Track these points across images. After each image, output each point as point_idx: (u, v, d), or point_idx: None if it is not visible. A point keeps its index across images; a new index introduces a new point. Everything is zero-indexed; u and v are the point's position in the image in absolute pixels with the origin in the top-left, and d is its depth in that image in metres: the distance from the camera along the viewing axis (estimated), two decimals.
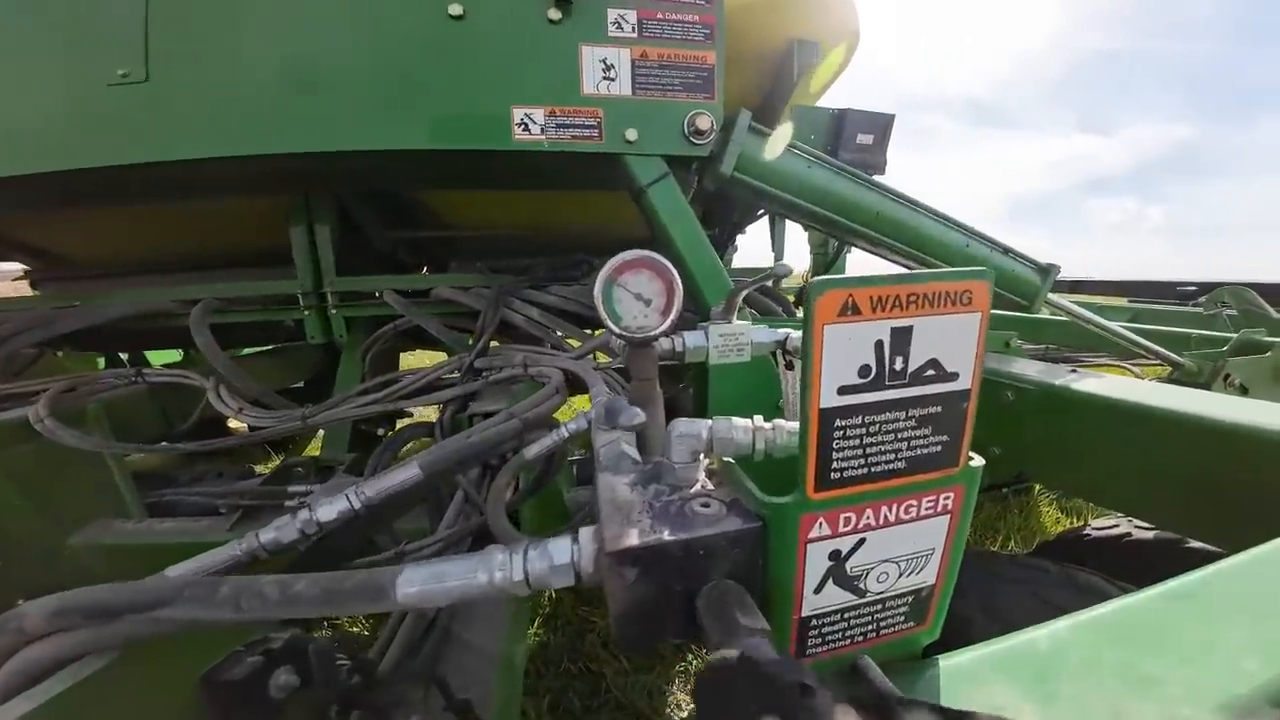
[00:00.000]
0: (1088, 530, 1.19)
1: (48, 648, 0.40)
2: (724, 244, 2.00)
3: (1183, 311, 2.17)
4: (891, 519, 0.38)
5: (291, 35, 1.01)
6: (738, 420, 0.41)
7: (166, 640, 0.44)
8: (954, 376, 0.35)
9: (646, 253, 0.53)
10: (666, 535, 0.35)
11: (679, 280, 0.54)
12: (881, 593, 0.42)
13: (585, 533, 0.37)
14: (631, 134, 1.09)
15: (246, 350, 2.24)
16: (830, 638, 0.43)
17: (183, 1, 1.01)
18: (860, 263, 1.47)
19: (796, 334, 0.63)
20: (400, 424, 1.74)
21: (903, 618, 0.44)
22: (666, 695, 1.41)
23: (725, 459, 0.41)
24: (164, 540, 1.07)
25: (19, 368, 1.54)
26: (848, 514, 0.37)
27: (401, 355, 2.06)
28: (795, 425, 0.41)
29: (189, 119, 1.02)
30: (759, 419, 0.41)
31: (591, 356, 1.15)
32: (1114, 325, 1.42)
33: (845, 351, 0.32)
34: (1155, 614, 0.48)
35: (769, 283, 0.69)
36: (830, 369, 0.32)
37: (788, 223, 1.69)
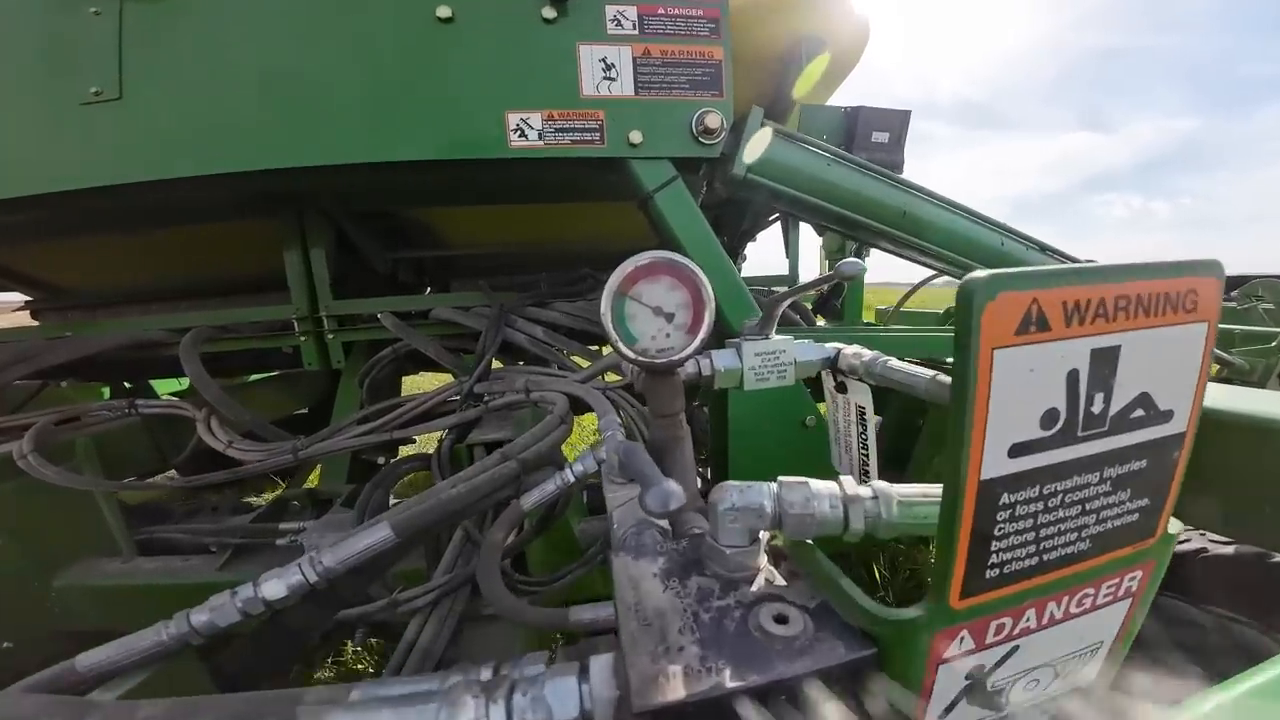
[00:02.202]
0: None
1: None
2: (734, 253, 1.87)
3: None
4: (1059, 616, 0.24)
5: (270, 46, 0.91)
6: (817, 485, 0.27)
7: None
8: (1168, 416, 0.22)
9: (666, 254, 0.39)
10: (728, 679, 0.21)
11: (709, 287, 0.40)
12: (1026, 702, 0.28)
13: (599, 668, 0.23)
14: (636, 136, 0.97)
15: (254, 377, 2.14)
16: None
17: (156, 16, 0.91)
18: (879, 269, 1.34)
19: (850, 350, 0.49)
20: (401, 453, 1.61)
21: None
22: None
23: (801, 540, 0.27)
24: (152, 581, 0.97)
25: (21, 400, 1.44)
26: (1001, 620, 0.23)
27: (407, 379, 1.94)
28: (907, 491, 0.27)
29: (166, 137, 0.92)
30: (849, 482, 0.27)
31: (600, 376, 1.02)
32: None
33: (1025, 388, 0.19)
34: None
35: (826, 287, 0.56)
36: (1000, 418, 0.18)
37: (802, 227, 1.56)
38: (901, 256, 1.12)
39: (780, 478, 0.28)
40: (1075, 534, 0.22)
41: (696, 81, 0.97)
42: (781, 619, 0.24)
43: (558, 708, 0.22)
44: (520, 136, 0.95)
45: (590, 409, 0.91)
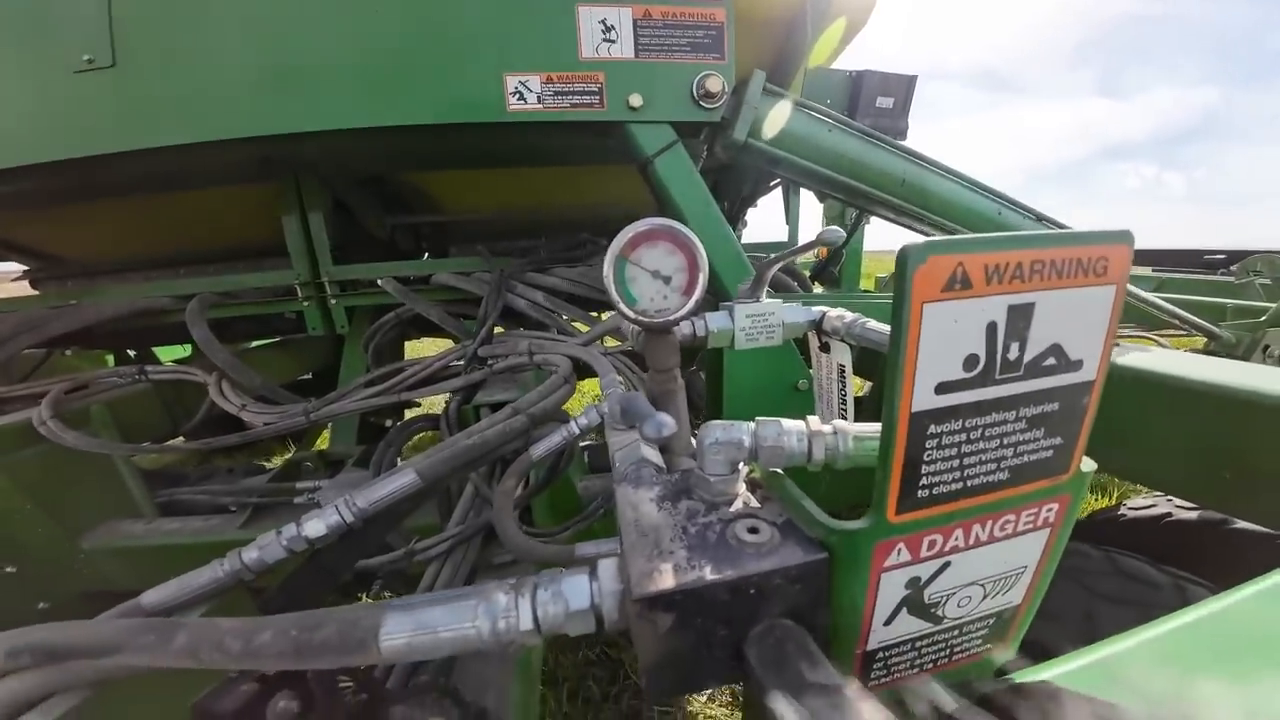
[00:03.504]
0: (1123, 510, 1.10)
1: (16, 686, 0.33)
2: (734, 218, 1.88)
3: (1213, 280, 2.03)
4: (984, 538, 0.30)
5: (264, 10, 0.91)
6: (788, 423, 0.32)
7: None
8: (1078, 365, 0.26)
9: (665, 221, 0.43)
10: (709, 574, 0.27)
11: (704, 252, 0.45)
12: (960, 618, 0.35)
13: (606, 568, 0.29)
14: (636, 99, 0.98)
15: (255, 343, 2.18)
16: (896, 667, 0.35)
17: None
18: (879, 235, 1.36)
19: (834, 313, 0.54)
20: (408, 414, 1.67)
21: (980, 641, 0.37)
22: None
23: (773, 470, 0.32)
24: (175, 540, 1.03)
25: (28, 370, 1.49)
26: (933, 536, 0.29)
27: (408, 344, 1.98)
28: (864, 427, 0.32)
29: (161, 104, 0.93)
30: (814, 420, 0.33)
31: (600, 341, 1.07)
32: (1151, 296, 1.31)
33: (949, 338, 0.23)
34: (1258, 618, 0.40)
35: (811, 254, 0.60)
36: (928, 361, 0.23)
37: (804, 193, 1.57)
38: (899, 224, 1.15)
39: (757, 417, 0.33)
40: (995, 464, 0.27)
41: (698, 44, 0.97)
42: (754, 530, 0.29)
43: (573, 599, 0.28)
44: (519, 99, 0.96)
45: (591, 373, 0.96)
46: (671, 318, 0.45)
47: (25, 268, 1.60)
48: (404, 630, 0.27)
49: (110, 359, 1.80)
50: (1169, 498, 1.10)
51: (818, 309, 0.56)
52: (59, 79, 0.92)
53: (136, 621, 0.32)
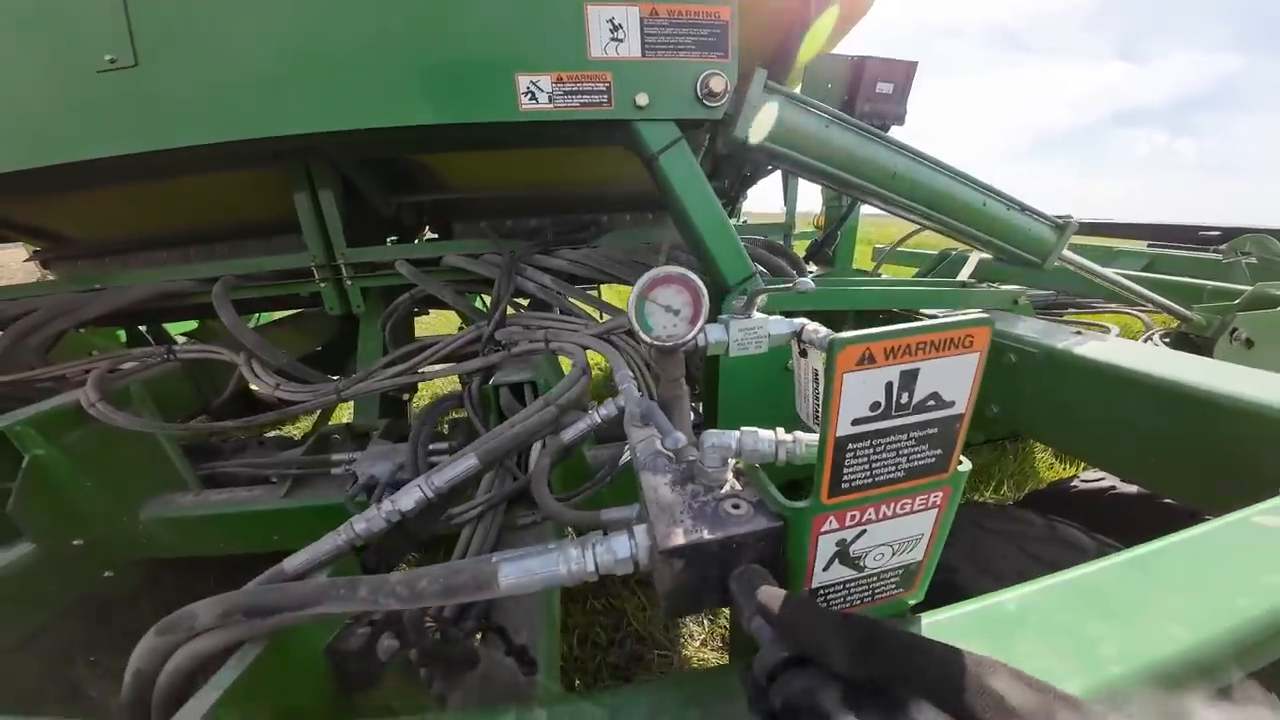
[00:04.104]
0: (1075, 482, 1.29)
1: (210, 641, 0.50)
2: (734, 196, 1.98)
3: (1200, 258, 2.13)
4: (889, 514, 0.47)
5: (282, 10, 0.98)
6: (763, 433, 0.49)
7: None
8: (951, 404, 0.43)
9: (677, 270, 0.58)
10: (706, 535, 0.44)
11: (705, 291, 0.59)
12: (877, 568, 0.52)
13: (640, 531, 0.47)
14: (642, 99, 1.07)
15: (262, 318, 2.30)
16: (834, 602, 0.54)
17: None
18: (873, 214, 1.49)
19: (811, 326, 0.69)
20: (418, 390, 1.83)
21: (894, 585, 0.55)
22: (680, 626, 1.62)
23: (751, 464, 0.49)
24: (225, 510, 1.18)
25: (44, 347, 1.61)
26: (853, 512, 0.46)
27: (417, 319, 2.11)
28: (813, 438, 0.49)
29: (183, 104, 1.00)
30: (781, 431, 0.49)
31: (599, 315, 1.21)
32: (1123, 279, 1.45)
33: (860, 393, 0.39)
34: (1110, 581, 0.57)
35: (789, 283, 0.74)
36: (847, 407, 0.39)
37: (803, 179, 1.68)
38: (889, 212, 1.28)
39: (743, 427, 0.49)
40: (894, 467, 0.44)
41: (703, 42, 1.05)
42: (736, 506, 0.46)
43: (619, 551, 0.46)
44: (530, 99, 1.05)
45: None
46: (679, 341, 0.61)
47: (35, 248, 1.69)
48: (514, 574, 0.45)
49: (121, 335, 1.92)
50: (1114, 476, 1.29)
51: (798, 321, 0.72)
52: (82, 79, 0.98)
53: (327, 580, 0.49)
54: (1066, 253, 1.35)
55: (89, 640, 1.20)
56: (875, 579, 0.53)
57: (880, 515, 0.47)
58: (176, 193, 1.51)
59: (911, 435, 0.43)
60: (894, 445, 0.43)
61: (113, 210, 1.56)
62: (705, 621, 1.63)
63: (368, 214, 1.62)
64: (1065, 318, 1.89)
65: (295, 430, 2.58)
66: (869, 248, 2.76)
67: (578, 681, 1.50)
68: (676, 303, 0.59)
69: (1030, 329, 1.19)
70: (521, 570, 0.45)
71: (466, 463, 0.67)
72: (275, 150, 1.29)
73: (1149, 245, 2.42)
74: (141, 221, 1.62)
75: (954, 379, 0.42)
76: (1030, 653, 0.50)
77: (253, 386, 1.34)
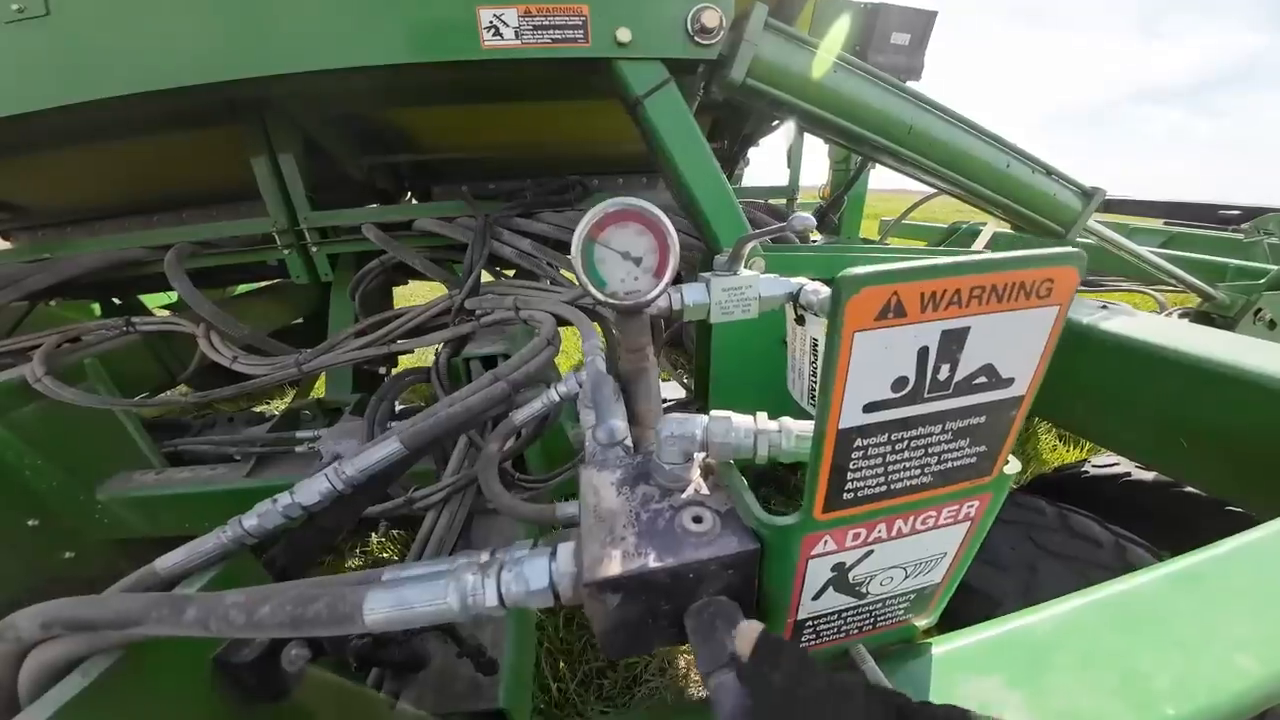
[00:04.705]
0: (1087, 467, 1.16)
1: (58, 649, 0.39)
2: (734, 159, 1.79)
3: (1220, 237, 1.97)
4: (905, 531, 0.33)
5: None
6: (737, 419, 0.35)
7: None
8: (1008, 383, 0.28)
9: (633, 201, 0.43)
10: (651, 561, 0.30)
11: (674, 233, 0.44)
12: (883, 594, 0.39)
13: (564, 552, 0.33)
14: (624, 34, 0.90)
15: (241, 288, 2.17)
16: (825, 633, 0.40)
17: None
18: (891, 177, 1.31)
19: (810, 286, 0.54)
20: (400, 364, 1.71)
21: (903, 611, 0.41)
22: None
23: (723, 460, 0.35)
24: (186, 489, 1.09)
25: (12, 323, 1.49)
26: (857, 530, 0.32)
27: (398, 290, 1.97)
28: (806, 428, 0.34)
29: (103, 54, 0.87)
30: (762, 417, 0.35)
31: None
32: (1149, 254, 1.28)
33: (878, 363, 0.25)
34: (1157, 599, 0.45)
35: (816, 195, 0.59)
36: (856, 384, 0.25)
37: (807, 133, 1.49)
38: (902, 173, 1.10)
39: (712, 411, 0.35)
40: (919, 470, 0.30)
41: None
42: (698, 519, 0.33)
43: (533, 580, 0.32)
44: (494, 35, 0.89)
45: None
46: (643, 299, 0.46)
47: None
48: (384, 605, 0.31)
49: (97, 308, 1.80)
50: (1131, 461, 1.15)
51: (796, 281, 0.57)
52: None
53: (151, 596, 0.36)
54: (1092, 223, 1.18)
55: None
56: (880, 605, 0.40)
57: (893, 533, 0.33)
58: (133, 158, 1.36)
59: (949, 427, 0.28)
60: (923, 441, 0.29)
61: (67, 177, 1.42)
62: None
63: (340, 178, 1.47)
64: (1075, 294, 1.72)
65: (279, 407, 2.48)
66: (874, 222, 2.55)
67: (562, 664, 1.40)
68: (637, 248, 0.45)
69: None
70: (395, 601, 0.31)
71: (386, 448, 0.54)
72: (227, 104, 1.14)
73: (1165, 223, 2.22)
74: (101, 189, 1.48)
75: (1017, 344, 0.27)
76: (1068, 689, 0.39)
77: (212, 358, 1.22)
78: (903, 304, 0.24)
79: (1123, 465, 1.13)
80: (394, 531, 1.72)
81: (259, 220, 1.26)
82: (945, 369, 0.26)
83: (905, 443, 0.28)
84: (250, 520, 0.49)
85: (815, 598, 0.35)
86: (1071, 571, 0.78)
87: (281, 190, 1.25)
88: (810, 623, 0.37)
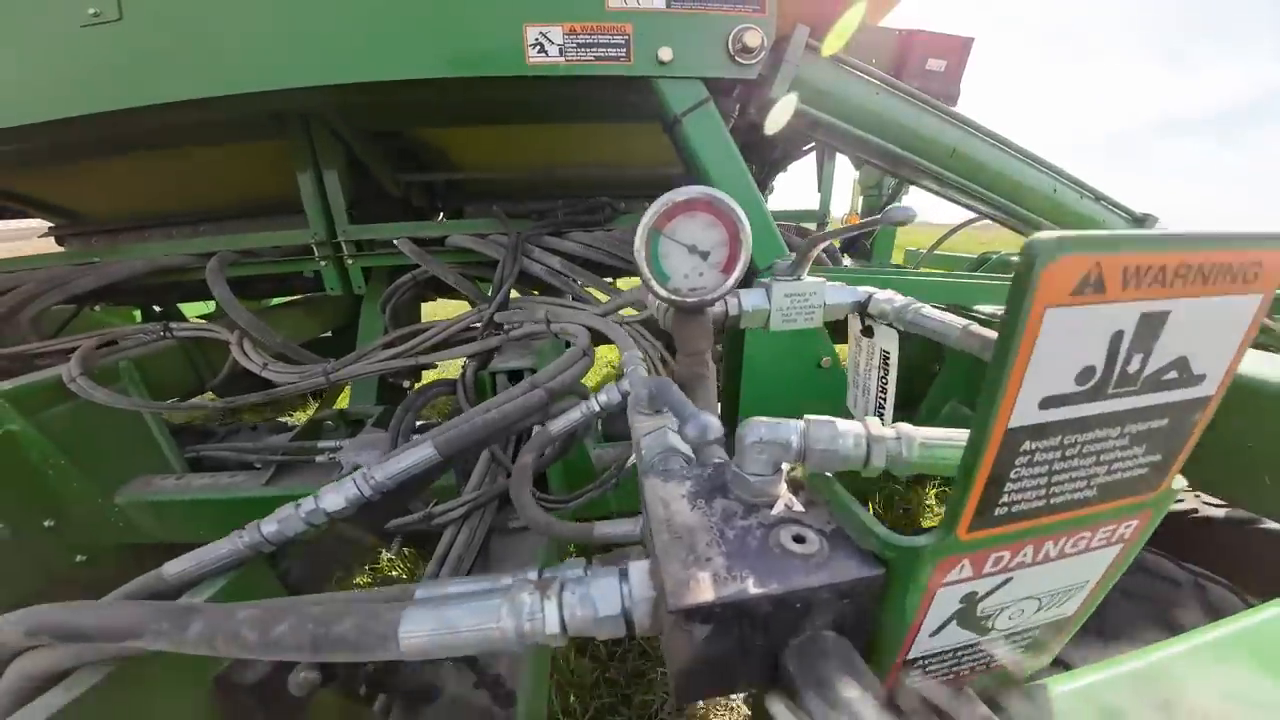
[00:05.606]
0: None
1: (44, 659, 0.33)
2: (762, 183, 1.78)
3: None
4: (1054, 554, 0.27)
5: None
6: (844, 424, 0.29)
7: None
8: (1199, 380, 0.22)
9: (708, 190, 0.39)
10: (751, 586, 0.24)
11: (748, 226, 0.40)
12: (1008, 629, 0.32)
13: (637, 571, 0.27)
14: (665, 53, 0.90)
15: (275, 301, 2.18)
16: (933, 672, 0.33)
17: None
18: (918, 205, 1.27)
19: (883, 295, 0.49)
20: (426, 376, 1.67)
21: (1022, 650, 0.34)
22: None
23: (821, 473, 0.29)
24: (204, 495, 1.04)
25: (56, 326, 1.50)
26: (1000, 554, 0.26)
27: (426, 305, 1.96)
28: (929, 434, 0.29)
29: (169, 58, 0.89)
30: (875, 423, 0.29)
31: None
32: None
33: (1065, 350, 0.19)
34: None
35: (872, 230, 0.55)
36: (1037, 373, 0.19)
37: (838, 159, 1.47)
38: (943, 196, 1.07)
39: (807, 415, 0.30)
40: (1085, 482, 0.24)
41: None
42: (800, 539, 0.26)
43: (602, 604, 0.26)
44: (539, 52, 0.89)
45: (608, 341, 0.93)
46: (708, 297, 0.41)
47: (50, 224, 1.59)
48: (424, 628, 0.26)
49: (137, 314, 1.81)
50: (1197, 493, 1.05)
51: (864, 289, 0.51)
52: (65, 34, 0.88)
53: (153, 606, 0.31)
54: None
55: None
56: (999, 642, 0.33)
57: (1041, 556, 0.26)
58: (184, 168, 1.38)
59: (1127, 430, 0.23)
60: (1096, 446, 0.23)
61: (122, 185, 1.44)
62: None
63: (377, 194, 1.48)
64: None
65: (302, 419, 2.45)
66: (899, 254, 2.50)
67: (573, 697, 1.29)
68: (705, 241, 0.40)
69: None
70: (438, 623, 0.25)
71: (419, 453, 0.48)
72: (276, 114, 1.15)
73: None
74: (150, 197, 1.50)
75: (1214, 335, 0.22)
76: None
77: (243, 365, 1.19)
78: (1104, 278, 0.19)
79: (1188, 500, 1.03)
80: (406, 549, 1.64)
81: (299, 231, 1.26)
82: (1137, 360, 0.21)
83: (1078, 448, 0.22)
84: (270, 526, 0.43)
85: (934, 634, 0.28)
86: (1149, 611, 0.69)
87: (323, 203, 1.25)
88: (920, 661, 0.30)
